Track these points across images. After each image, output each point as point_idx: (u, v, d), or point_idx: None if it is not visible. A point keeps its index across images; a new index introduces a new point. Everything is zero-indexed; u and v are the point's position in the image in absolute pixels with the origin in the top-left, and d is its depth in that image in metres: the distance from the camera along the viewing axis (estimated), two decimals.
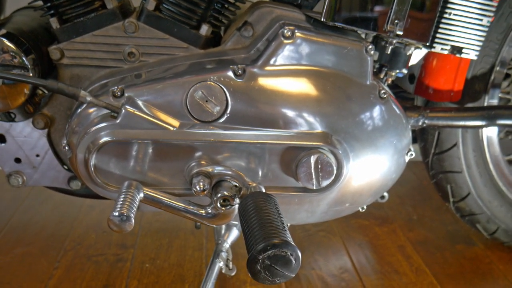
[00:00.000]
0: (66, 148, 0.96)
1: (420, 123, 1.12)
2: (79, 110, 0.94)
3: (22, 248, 1.43)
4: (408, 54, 1.05)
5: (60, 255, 1.40)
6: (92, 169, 0.92)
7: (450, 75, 1.17)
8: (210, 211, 0.92)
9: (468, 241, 1.56)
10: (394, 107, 1.00)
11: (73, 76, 1.04)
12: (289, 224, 1.10)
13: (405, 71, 1.10)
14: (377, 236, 1.58)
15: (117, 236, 1.51)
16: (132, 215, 0.81)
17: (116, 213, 0.80)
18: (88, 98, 0.89)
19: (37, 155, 1.09)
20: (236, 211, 0.91)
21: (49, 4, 1.00)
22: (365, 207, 1.10)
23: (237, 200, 0.90)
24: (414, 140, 1.17)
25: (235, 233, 1.09)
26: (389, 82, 1.08)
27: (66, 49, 1.01)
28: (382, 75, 1.08)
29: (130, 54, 1.02)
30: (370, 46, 0.95)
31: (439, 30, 1.02)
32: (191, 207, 0.92)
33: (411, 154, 1.05)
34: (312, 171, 0.94)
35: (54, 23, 1.00)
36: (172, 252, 1.44)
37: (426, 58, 1.18)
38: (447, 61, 1.16)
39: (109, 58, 1.03)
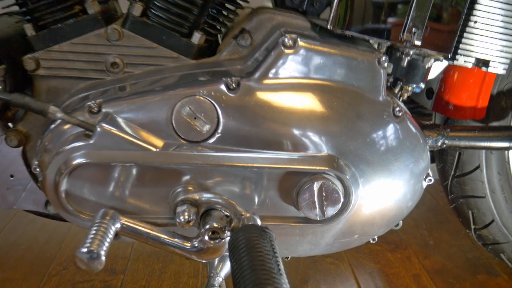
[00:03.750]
0: (37, 169, 0.85)
1: (439, 144, 0.99)
2: (53, 125, 0.83)
3: (3, 273, 1.32)
4: (427, 66, 0.92)
5: (43, 281, 1.29)
6: (63, 194, 0.80)
7: (473, 90, 1.04)
8: (197, 245, 0.80)
9: (490, 271, 1.42)
10: (411, 126, 0.87)
11: (50, 89, 0.93)
12: (289, 257, 0.97)
13: (422, 85, 0.97)
14: (389, 263, 1.45)
15: (107, 260, 1.38)
16: (103, 252, 0.70)
17: (85, 249, 0.70)
18: (59, 115, 0.78)
19: (11, 176, 0.98)
20: (227, 246, 0.80)
21: (24, 9, 0.90)
22: (376, 238, 0.97)
23: (228, 233, 0.78)
24: (432, 160, 1.04)
25: (229, 265, 0.97)
26: (405, 97, 0.95)
27: (42, 58, 0.90)
28: (396, 90, 0.96)
29: (113, 65, 0.91)
30: (384, 58, 0.83)
31: (463, 40, 0.89)
32: (175, 239, 0.80)
33: (430, 180, 0.92)
34: (316, 199, 0.81)
35: (29, 29, 0.90)
36: (165, 279, 1.33)
37: (446, 71, 1.06)
38: (471, 75, 1.03)
39: (90, 68, 0.92)
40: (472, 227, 1.26)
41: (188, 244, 0.80)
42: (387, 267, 1.43)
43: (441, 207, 1.80)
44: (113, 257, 1.40)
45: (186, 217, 0.77)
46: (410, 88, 0.94)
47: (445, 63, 1.03)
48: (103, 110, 0.81)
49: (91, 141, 0.78)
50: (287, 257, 0.98)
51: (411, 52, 0.87)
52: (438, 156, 1.23)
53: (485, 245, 1.30)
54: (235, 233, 0.71)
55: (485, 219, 1.22)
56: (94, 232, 0.73)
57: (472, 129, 1.00)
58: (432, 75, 1.06)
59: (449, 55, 0.88)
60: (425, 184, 0.93)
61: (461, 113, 1.07)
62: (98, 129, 0.78)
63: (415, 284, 1.35)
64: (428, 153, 0.91)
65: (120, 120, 0.81)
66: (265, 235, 0.72)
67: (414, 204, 0.94)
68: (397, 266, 1.43)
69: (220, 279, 0.98)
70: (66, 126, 0.82)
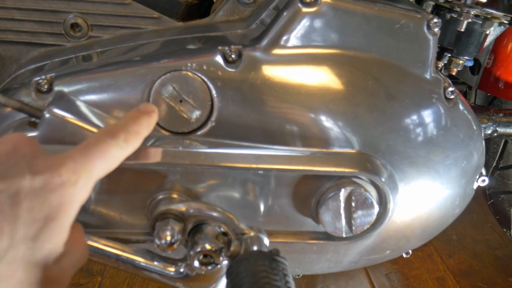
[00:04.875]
0: None
1: (489, 132, 0.79)
2: None
3: None
4: (486, 33, 0.71)
5: None
6: None
7: None
8: (183, 270, 0.60)
9: None
10: (465, 111, 0.66)
11: None
12: (301, 275, 0.77)
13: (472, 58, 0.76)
14: (409, 263, 1.26)
15: None
16: None
17: None
18: None
19: None
20: (224, 271, 0.60)
21: None
22: (410, 252, 0.77)
23: (225, 258, 0.57)
24: None
25: (223, 285, 0.77)
26: (454, 73, 0.74)
27: None
28: (440, 64, 0.75)
29: (74, 26, 0.69)
30: (435, 20, 0.61)
31: None
32: (155, 263, 0.60)
33: (483, 180, 0.72)
34: (342, 211, 0.61)
35: None
36: (150, 283, 1.14)
37: (498, 40, 0.84)
38: None
39: (44, 31, 0.70)
40: None
41: (171, 269, 0.60)
42: (406, 267, 1.24)
43: None
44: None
45: (168, 237, 0.56)
46: (461, 62, 0.72)
47: (499, 30, 0.81)
48: (55, 88, 0.59)
49: (36, 133, 0.56)
50: (298, 275, 0.78)
51: (473, 12, 0.65)
52: None
53: None
54: (236, 264, 0.51)
55: None
56: None
57: None
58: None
59: None
60: (476, 185, 0.73)
61: None
62: (46, 115, 0.56)
63: None
64: (484, 145, 0.70)
65: (78, 103, 0.59)
66: (277, 267, 0.51)
67: (461, 211, 0.74)
68: (417, 267, 1.24)
69: None
70: (8, 109, 0.61)
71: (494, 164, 0.99)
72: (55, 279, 0.38)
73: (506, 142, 0.96)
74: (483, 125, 0.79)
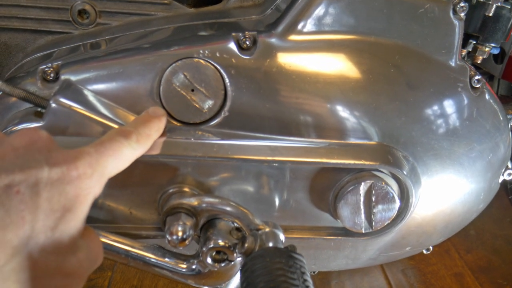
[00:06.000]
0: None
1: None
2: None
3: None
4: None
5: None
6: None
7: None
8: (195, 267, 0.57)
9: None
10: (492, 101, 0.63)
11: None
12: (316, 271, 0.75)
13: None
14: (426, 259, 1.22)
15: None
16: None
17: None
18: None
19: None
20: (238, 267, 0.57)
21: None
22: (431, 248, 0.74)
23: (239, 256, 0.55)
24: None
25: (236, 281, 0.75)
26: (479, 61, 0.70)
27: None
28: (464, 52, 0.71)
29: (81, 13, 0.67)
30: (462, 4, 0.58)
31: None
32: (166, 259, 0.57)
33: (509, 174, 0.68)
34: (362, 206, 0.58)
35: None
36: (160, 278, 1.11)
37: None
38: None
39: (51, 18, 0.67)
40: None
41: (183, 266, 0.58)
42: (423, 263, 1.21)
43: None
44: None
45: (180, 233, 0.53)
46: (487, 49, 0.69)
47: None
48: (62, 77, 0.57)
49: (42, 123, 0.54)
50: (314, 272, 0.75)
51: None
52: None
53: None
54: (251, 261, 0.49)
55: None
56: None
57: None
58: None
59: None
60: (501, 179, 0.69)
61: None
62: (52, 105, 0.54)
63: (457, 286, 1.13)
64: (511, 137, 0.67)
65: (85, 92, 0.57)
66: (294, 264, 0.49)
67: (485, 205, 0.71)
68: (435, 263, 1.21)
69: None
70: (14, 98, 0.59)
71: None
72: (72, 272, 0.39)
73: None
74: (509, 116, 0.75)
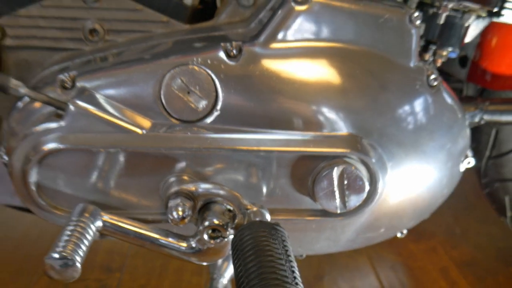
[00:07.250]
0: (5, 156, 0.71)
1: (476, 119, 0.85)
2: (20, 103, 0.69)
3: None
4: (466, 25, 0.77)
5: (33, 281, 1.17)
6: (32, 185, 0.67)
7: None
8: (194, 245, 0.66)
9: None
10: (448, 98, 0.72)
11: (19, 62, 0.79)
12: (304, 255, 0.83)
13: (458, 50, 0.82)
14: (413, 255, 1.31)
15: (102, 256, 1.27)
16: (78, 258, 0.57)
17: (56, 255, 0.56)
18: (22, 90, 0.64)
19: None
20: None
21: None
22: (405, 232, 0.83)
23: (231, 231, 0.64)
24: None
25: (231, 270, 0.83)
26: (438, 64, 0.80)
27: (8, 25, 0.76)
28: (427, 56, 0.81)
29: (92, 32, 0.77)
30: (416, 14, 0.68)
31: None
32: (169, 239, 0.67)
33: (469, 162, 0.78)
34: (336, 188, 0.67)
35: None
36: (167, 277, 1.20)
37: (484, 34, 0.91)
38: None
39: (65, 37, 0.78)
40: (508, 214, 1.11)
41: (184, 244, 0.67)
42: (410, 260, 1.29)
43: (466, 191, 1.65)
44: (108, 253, 1.27)
45: (180, 212, 0.63)
46: (445, 53, 0.79)
47: (483, 24, 0.87)
48: (78, 84, 0.67)
49: (62, 123, 0.64)
50: (301, 255, 0.84)
51: (450, 5, 0.72)
52: (471, 135, 1.08)
53: None
54: (240, 232, 0.58)
55: None
56: (69, 232, 0.59)
57: None
58: (467, 39, 0.90)
59: (493, 10, 0.73)
60: (462, 167, 0.79)
61: (501, 83, 0.92)
62: (71, 107, 0.64)
63: (443, 279, 1.21)
64: (468, 130, 0.76)
65: (98, 96, 0.67)
66: (276, 233, 0.58)
67: (450, 191, 0.80)
68: (422, 259, 1.29)
69: (225, 281, 0.85)
70: (36, 104, 0.69)
71: (488, 153, 1.05)
72: None
73: (497, 131, 1.02)
74: (471, 113, 0.85)
